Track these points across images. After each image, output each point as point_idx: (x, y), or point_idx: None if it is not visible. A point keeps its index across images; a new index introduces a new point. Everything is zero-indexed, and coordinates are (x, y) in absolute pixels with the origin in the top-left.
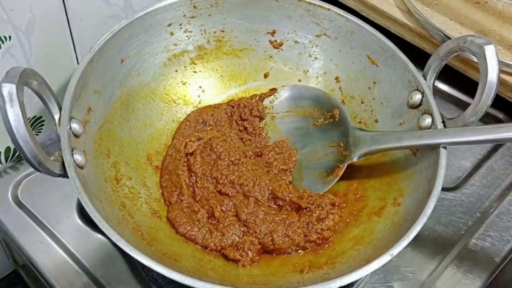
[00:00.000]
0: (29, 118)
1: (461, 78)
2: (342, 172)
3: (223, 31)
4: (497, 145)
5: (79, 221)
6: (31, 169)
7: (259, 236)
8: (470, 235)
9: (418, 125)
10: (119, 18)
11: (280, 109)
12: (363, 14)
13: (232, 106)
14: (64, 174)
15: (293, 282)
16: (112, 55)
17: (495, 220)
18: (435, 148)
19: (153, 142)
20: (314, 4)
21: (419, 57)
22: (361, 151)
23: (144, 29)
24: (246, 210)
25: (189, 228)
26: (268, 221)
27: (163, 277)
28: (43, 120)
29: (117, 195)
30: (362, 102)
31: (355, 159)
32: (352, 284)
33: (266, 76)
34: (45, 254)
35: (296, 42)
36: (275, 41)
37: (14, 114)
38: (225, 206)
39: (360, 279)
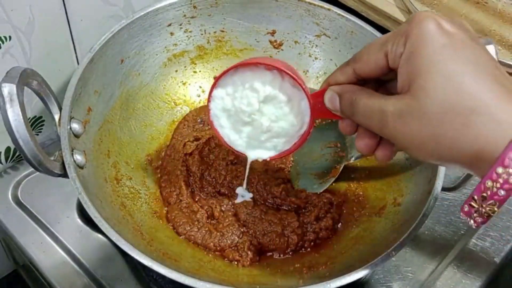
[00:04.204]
0: (29, 118)
1: None
2: (338, 172)
3: (223, 31)
4: None
5: (79, 221)
6: (31, 169)
7: (258, 236)
8: (470, 235)
9: None
10: (119, 18)
11: None
12: (363, 14)
13: None
14: (64, 174)
15: (293, 282)
16: (112, 55)
17: (495, 220)
18: None
19: (153, 142)
20: (314, 4)
21: None
22: (357, 153)
23: (144, 29)
24: (245, 210)
25: (189, 228)
26: (267, 221)
27: (163, 277)
28: (43, 120)
29: (117, 195)
30: None
31: (351, 160)
32: (352, 284)
33: None
34: (45, 254)
35: (296, 42)
36: (275, 41)
37: (14, 114)
38: (224, 206)
39: (360, 279)
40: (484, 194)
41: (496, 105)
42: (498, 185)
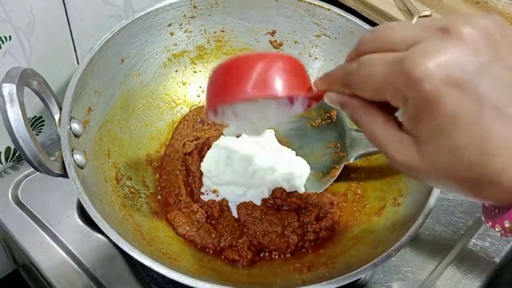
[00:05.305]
0: (29, 118)
1: None
2: (338, 173)
3: (223, 31)
4: None
5: (79, 221)
6: (31, 169)
7: (258, 237)
8: (470, 235)
9: None
10: (119, 18)
11: None
12: (363, 14)
13: None
14: (64, 174)
15: (293, 282)
16: (112, 55)
17: None
18: None
19: (153, 142)
20: (314, 4)
21: None
22: (357, 153)
23: (144, 29)
24: (245, 210)
25: (188, 228)
26: (267, 221)
27: (163, 277)
28: (43, 120)
29: (117, 195)
30: None
31: (351, 160)
32: (352, 284)
33: None
34: (45, 254)
35: (296, 42)
36: (275, 41)
37: (14, 114)
38: (224, 206)
39: (360, 279)
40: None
41: (504, 169)
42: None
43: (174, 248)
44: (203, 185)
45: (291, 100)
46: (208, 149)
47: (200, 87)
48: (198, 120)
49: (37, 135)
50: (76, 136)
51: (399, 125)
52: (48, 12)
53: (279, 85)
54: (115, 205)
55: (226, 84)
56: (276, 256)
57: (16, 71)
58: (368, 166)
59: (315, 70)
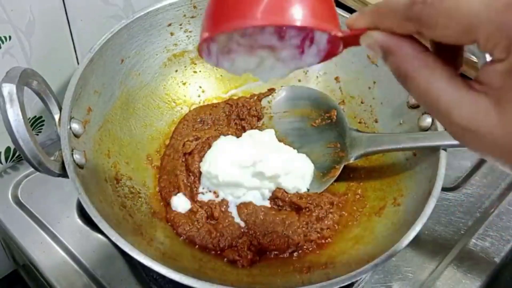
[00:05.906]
0: (29, 118)
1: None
2: (338, 172)
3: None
4: None
5: (79, 221)
6: (31, 169)
7: (258, 237)
8: (470, 235)
9: (418, 125)
10: (119, 18)
11: (278, 109)
12: None
13: (231, 105)
14: (64, 174)
15: (293, 282)
16: (112, 55)
17: (495, 220)
18: (433, 149)
19: (153, 142)
20: None
21: None
22: (357, 153)
23: (144, 29)
24: (245, 210)
25: (188, 228)
26: (268, 222)
27: (163, 277)
28: (43, 120)
29: (117, 195)
30: (362, 102)
31: (351, 160)
32: (352, 284)
33: None
34: (45, 254)
35: None
36: None
37: (14, 114)
38: (224, 206)
39: (360, 279)
40: None
41: None
42: None
43: (174, 248)
44: (203, 185)
45: (302, 45)
46: (208, 149)
47: (200, 87)
48: (198, 120)
49: (37, 135)
50: (76, 136)
51: (467, 84)
52: (48, 12)
53: (300, 11)
54: (115, 205)
55: (227, 6)
56: (276, 256)
57: (16, 71)
58: (368, 166)
59: (315, 70)
